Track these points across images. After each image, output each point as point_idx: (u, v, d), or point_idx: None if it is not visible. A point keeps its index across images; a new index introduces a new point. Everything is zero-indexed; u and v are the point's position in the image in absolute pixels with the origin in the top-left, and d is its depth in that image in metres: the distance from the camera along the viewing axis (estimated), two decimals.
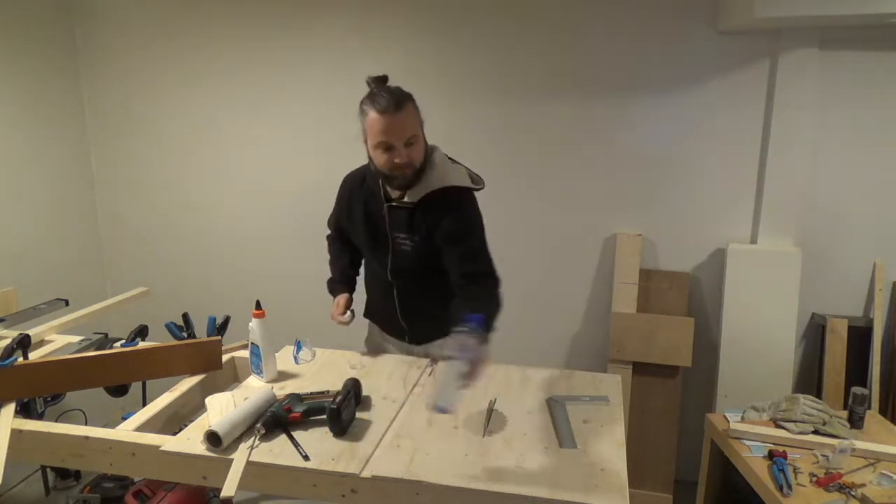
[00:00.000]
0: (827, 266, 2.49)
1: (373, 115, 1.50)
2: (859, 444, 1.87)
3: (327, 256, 2.00)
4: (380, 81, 1.56)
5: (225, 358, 1.81)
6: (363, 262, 1.94)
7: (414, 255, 1.68)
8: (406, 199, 1.65)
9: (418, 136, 1.57)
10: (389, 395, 1.57)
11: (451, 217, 1.62)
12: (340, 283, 1.90)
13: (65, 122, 2.93)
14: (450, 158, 1.72)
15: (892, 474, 1.74)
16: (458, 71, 2.63)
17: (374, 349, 1.95)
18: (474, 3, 2.55)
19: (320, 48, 2.72)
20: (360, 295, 1.94)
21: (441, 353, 1.70)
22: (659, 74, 2.47)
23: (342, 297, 1.82)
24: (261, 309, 1.67)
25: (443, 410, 1.21)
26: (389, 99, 1.49)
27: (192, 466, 1.33)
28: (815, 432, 1.97)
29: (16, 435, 1.41)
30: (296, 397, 1.46)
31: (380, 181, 1.66)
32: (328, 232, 2.02)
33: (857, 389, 2.03)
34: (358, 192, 1.77)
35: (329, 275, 1.95)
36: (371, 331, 2.01)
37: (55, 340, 1.98)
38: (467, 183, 1.66)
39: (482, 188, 1.71)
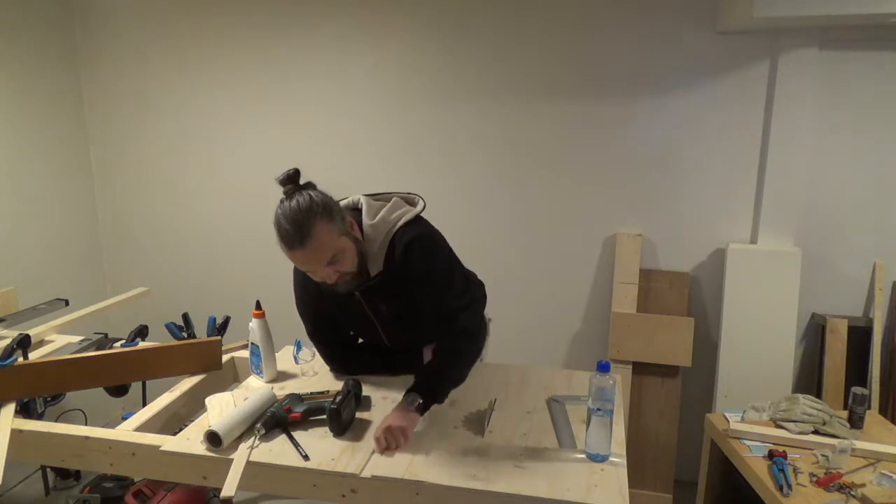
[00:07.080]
0: (827, 266, 2.49)
1: (282, 246, 1.37)
2: (859, 444, 1.86)
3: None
4: (288, 183, 1.41)
5: (225, 358, 1.81)
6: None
7: (402, 316, 1.58)
8: (372, 275, 1.49)
9: (341, 249, 1.39)
10: (389, 395, 1.57)
11: (413, 266, 1.47)
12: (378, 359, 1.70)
13: (65, 122, 2.93)
14: (374, 195, 1.58)
15: (892, 474, 1.74)
16: (458, 70, 2.62)
17: None
18: (474, 3, 2.56)
19: (320, 48, 2.72)
20: None
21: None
22: (659, 74, 2.47)
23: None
24: (261, 309, 1.67)
25: (595, 459, 1.29)
26: (292, 233, 1.33)
27: (192, 466, 1.33)
28: (815, 432, 1.97)
29: (16, 435, 1.41)
30: (296, 397, 1.46)
31: None
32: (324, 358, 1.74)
33: (857, 389, 2.03)
34: (313, 285, 1.53)
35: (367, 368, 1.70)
36: None
37: (55, 340, 1.99)
38: (405, 215, 1.51)
39: (423, 208, 1.55)
